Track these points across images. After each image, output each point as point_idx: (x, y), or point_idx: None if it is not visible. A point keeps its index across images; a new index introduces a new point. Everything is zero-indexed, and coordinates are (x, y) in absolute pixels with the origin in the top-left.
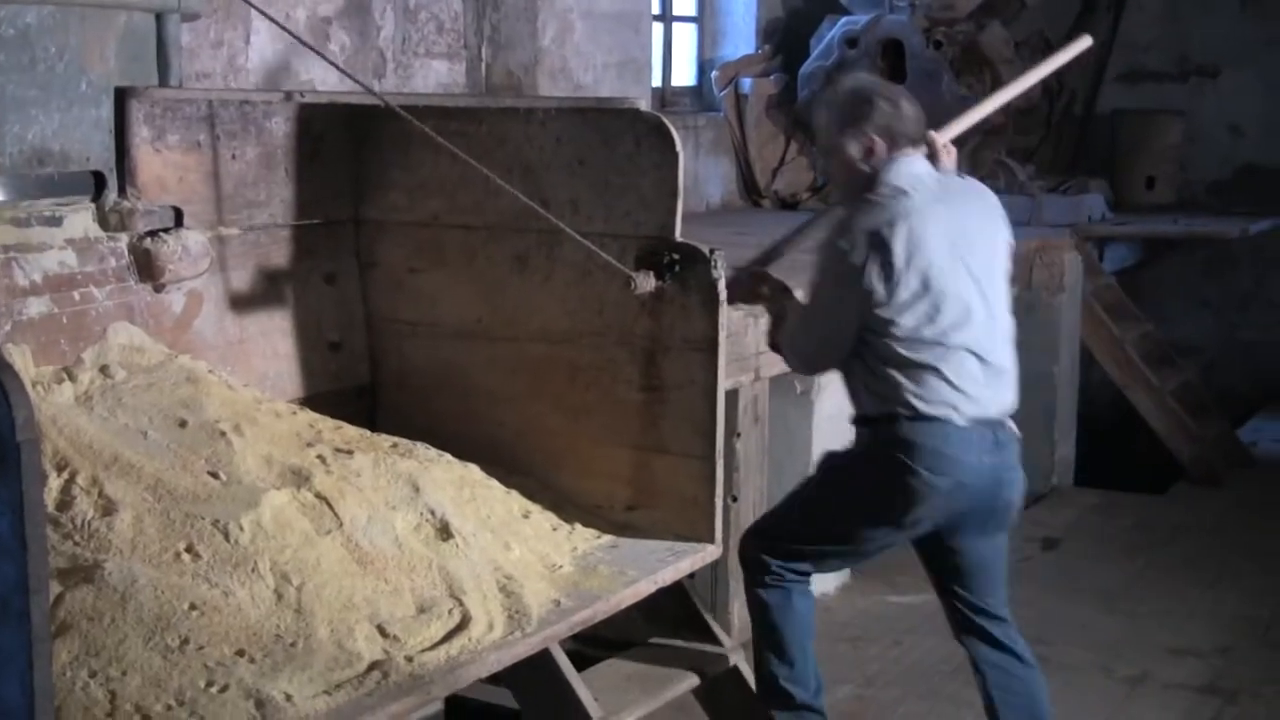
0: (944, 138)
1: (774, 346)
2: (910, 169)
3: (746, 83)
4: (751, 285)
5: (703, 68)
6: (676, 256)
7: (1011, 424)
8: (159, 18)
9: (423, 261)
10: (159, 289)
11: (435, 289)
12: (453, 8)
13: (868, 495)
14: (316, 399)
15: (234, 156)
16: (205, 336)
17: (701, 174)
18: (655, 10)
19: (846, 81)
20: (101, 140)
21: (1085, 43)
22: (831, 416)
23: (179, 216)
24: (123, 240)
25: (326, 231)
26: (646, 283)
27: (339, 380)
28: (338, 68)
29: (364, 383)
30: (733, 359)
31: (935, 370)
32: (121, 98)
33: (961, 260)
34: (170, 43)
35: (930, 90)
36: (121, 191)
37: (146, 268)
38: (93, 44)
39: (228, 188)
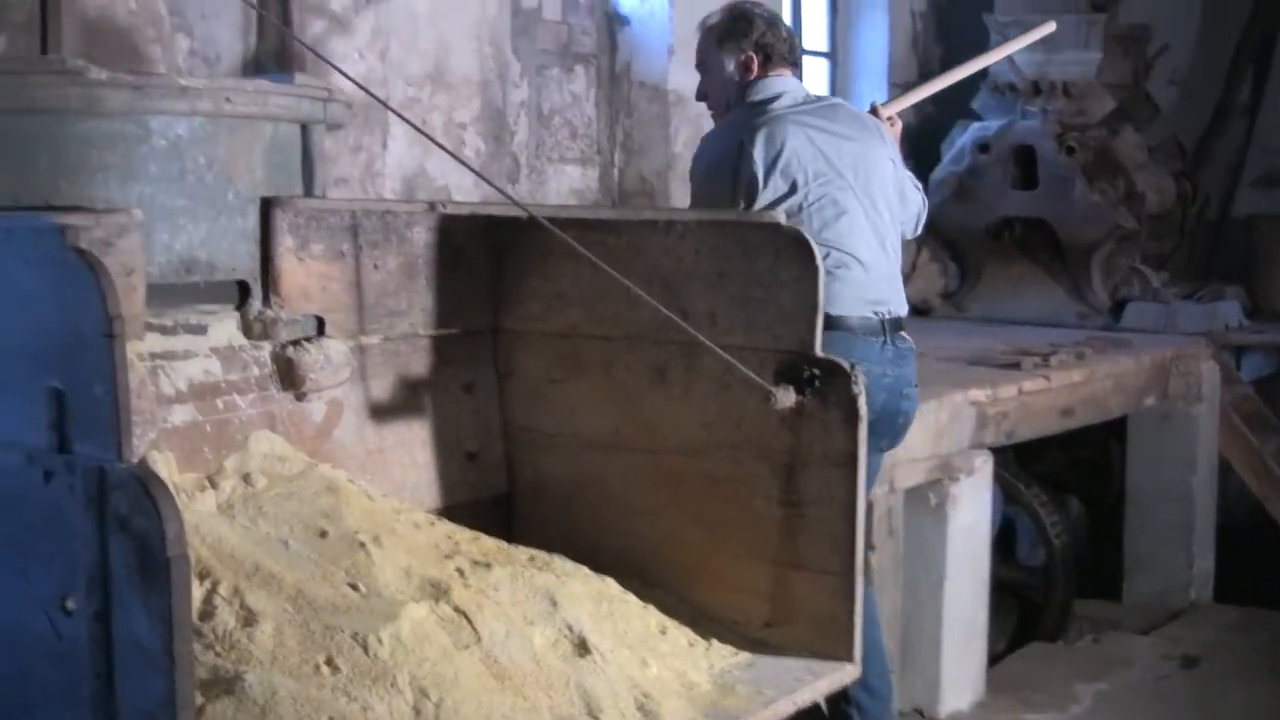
0: (889, 111)
1: None
2: (777, 86)
3: None
4: None
5: None
6: (816, 371)
7: (906, 335)
8: (304, 128)
9: (561, 372)
10: (300, 397)
11: (573, 399)
12: (586, 113)
13: None
14: (454, 509)
15: (376, 266)
16: (345, 445)
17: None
18: None
19: (729, 5)
20: (247, 249)
21: (1050, 27)
22: (967, 528)
23: (321, 325)
24: (266, 349)
25: (465, 341)
26: (786, 398)
27: (476, 490)
28: (477, 174)
29: (501, 493)
30: None
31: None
32: (267, 208)
33: (833, 167)
34: (315, 152)
35: (1063, 196)
36: (265, 300)
37: (289, 376)
38: (240, 155)
39: (369, 297)
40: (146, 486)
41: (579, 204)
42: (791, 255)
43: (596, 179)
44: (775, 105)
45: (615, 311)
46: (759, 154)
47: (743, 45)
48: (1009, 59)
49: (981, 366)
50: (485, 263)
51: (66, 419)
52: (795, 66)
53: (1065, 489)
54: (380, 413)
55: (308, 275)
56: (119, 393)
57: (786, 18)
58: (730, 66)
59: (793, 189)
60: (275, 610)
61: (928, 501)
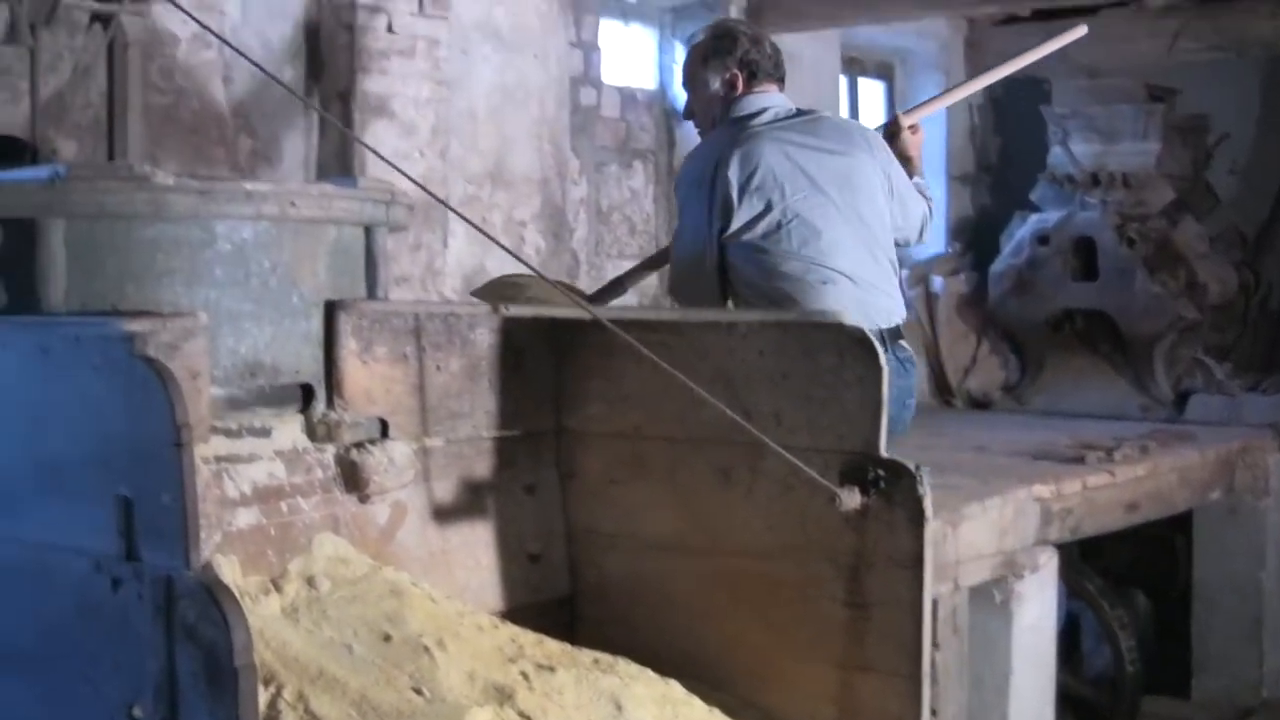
0: (910, 119)
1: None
2: (761, 102)
3: (937, 282)
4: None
5: None
6: (881, 472)
7: (906, 345)
8: (368, 231)
9: (623, 473)
10: (364, 500)
11: (636, 501)
12: (644, 209)
13: None
14: (517, 611)
15: (439, 368)
16: (409, 548)
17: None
18: None
19: (715, 24)
20: (311, 353)
21: (1081, 30)
22: (1031, 626)
23: (385, 428)
24: (330, 451)
25: (528, 442)
26: (851, 499)
27: (538, 592)
28: (537, 273)
29: (564, 594)
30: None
31: (803, 289)
32: (331, 311)
33: (813, 183)
34: (378, 255)
35: (1124, 288)
36: (330, 403)
37: (352, 479)
38: (304, 258)
39: (432, 399)
40: (214, 595)
41: (638, 300)
42: (855, 355)
43: (655, 275)
44: (756, 121)
45: (678, 412)
46: (734, 174)
47: (727, 63)
48: (1067, 152)
49: (1045, 461)
50: (548, 364)
51: (134, 527)
52: (780, 82)
53: (1130, 583)
54: (443, 515)
55: (371, 378)
56: (187, 502)
57: (844, 109)
58: (715, 84)
59: (768, 208)
60: (340, 715)
61: (992, 599)
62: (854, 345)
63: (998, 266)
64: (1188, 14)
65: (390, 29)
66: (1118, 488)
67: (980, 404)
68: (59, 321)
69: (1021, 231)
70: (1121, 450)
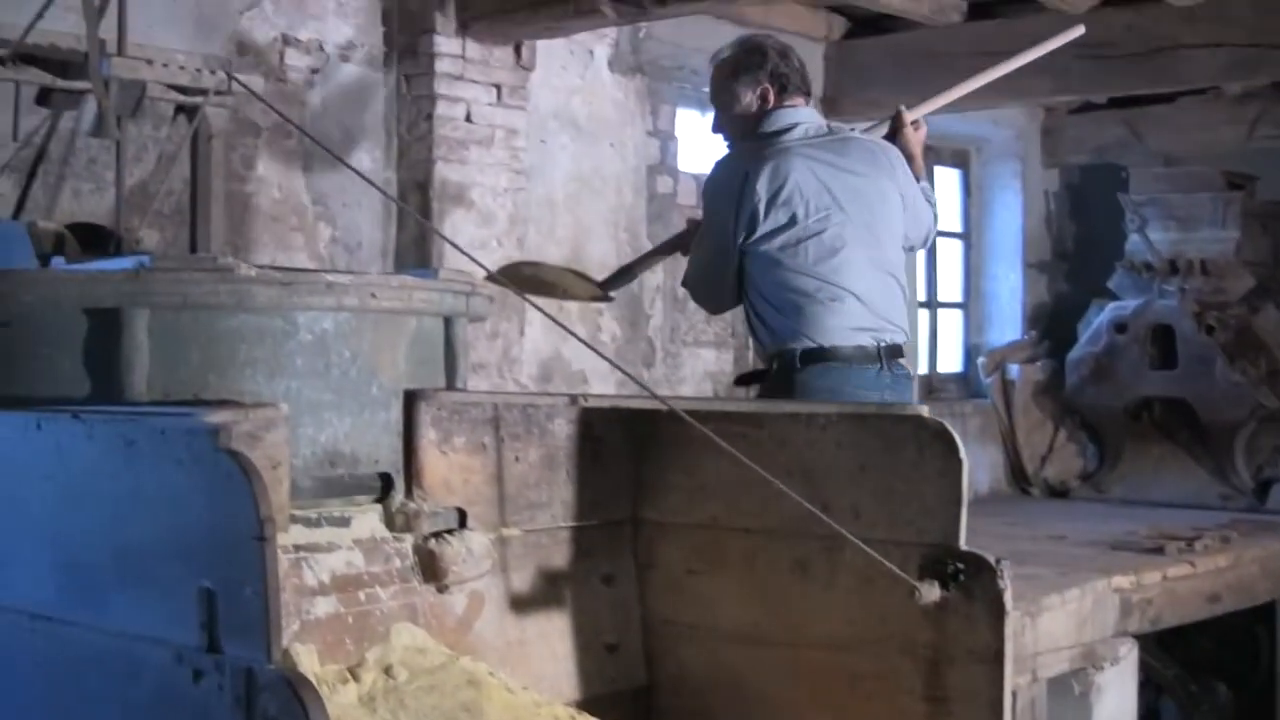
0: (914, 114)
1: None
2: (790, 117)
3: (1014, 369)
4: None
5: (969, 354)
6: (961, 566)
7: (904, 362)
8: (447, 321)
9: (701, 564)
10: (442, 590)
11: (714, 592)
12: None
13: None
14: (593, 701)
15: (517, 458)
16: (486, 638)
17: (969, 462)
18: (921, 296)
19: (741, 38)
20: (390, 442)
21: (1078, 30)
22: (1111, 718)
23: (463, 518)
24: (408, 541)
25: (605, 533)
26: (931, 593)
27: (615, 683)
28: (613, 363)
29: (640, 685)
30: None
31: (813, 305)
32: (410, 401)
33: (835, 201)
34: (457, 345)
35: (1203, 376)
36: (408, 493)
37: (430, 569)
38: (384, 348)
39: (510, 489)
40: (295, 689)
41: (714, 386)
42: (935, 448)
43: (731, 361)
44: (787, 137)
45: (757, 504)
46: (762, 186)
47: (759, 77)
48: (1145, 240)
49: (1124, 551)
50: (625, 454)
51: (216, 619)
52: (807, 95)
53: (1211, 674)
54: (521, 605)
55: (450, 468)
56: (269, 595)
57: None
58: (747, 98)
59: (792, 221)
60: None
61: (1071, 691)
62: (934, 438)
63: (1075, 354)
64: (1266, 101)
65: (469, 119)
66: (1198, 578)
67: (1058, 492)
68: (144, 413)
69: (1099, 319)
70: (1202, 540)
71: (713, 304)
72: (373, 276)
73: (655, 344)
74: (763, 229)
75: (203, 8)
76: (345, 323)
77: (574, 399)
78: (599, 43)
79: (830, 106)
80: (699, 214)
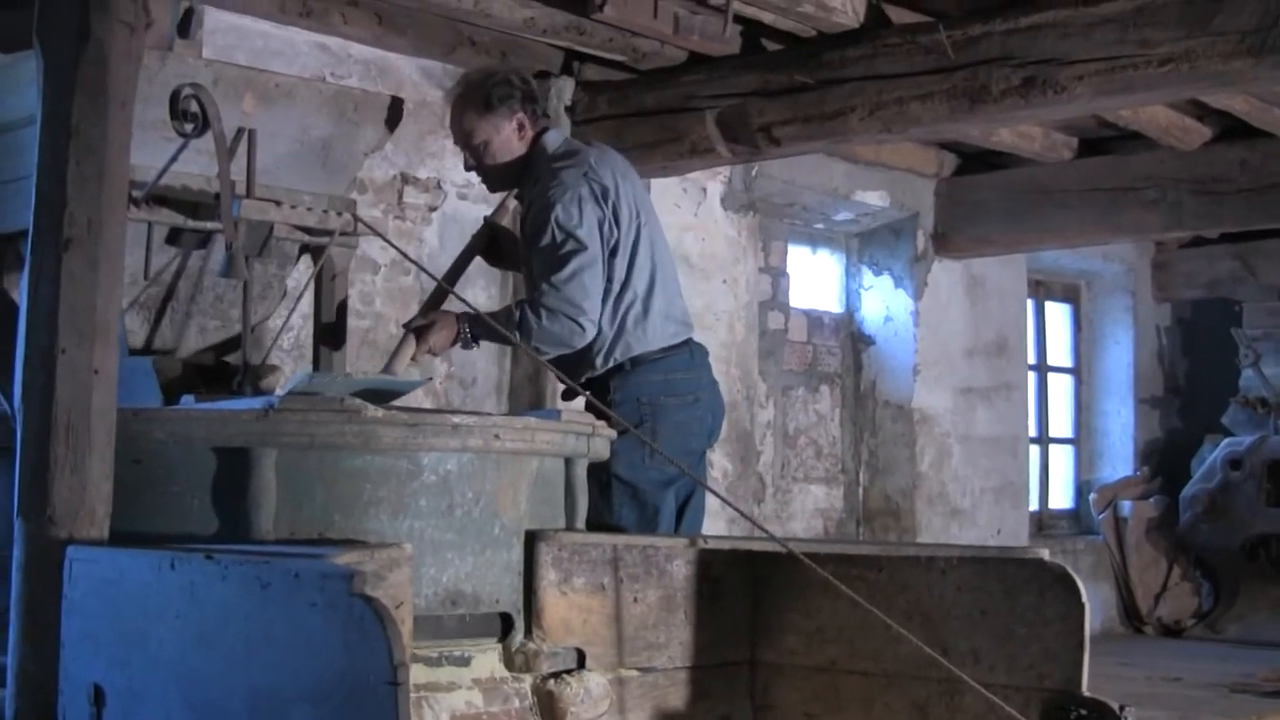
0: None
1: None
2: (561, 136)
3: (1126, 505)
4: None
5: (1080, 490)
6: (1084, 712)
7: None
8: (568, 462)
9: (819, 707)
10: None
11: None
12: (831, 433)
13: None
14: None
15: (636, 599)
16: None
17: None
18: (1032, 433)
19: (468, 73)
20: (510, 582)
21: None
22: None
23: (581, 658)
24: (527, 681)
25: (722, 674)
26: None
27: None
28: (724, 499)
29: None
30: None
31: (647, 302)
32: (532, 542)
33: (642, 205)
34: (577, 485)
35: None
36: (528, 633)
37: (549, 709)
38: (506, 489)
39: (629, 630)
40: None
41: (825, 523)
42: (1057, 592)
43: (841, 498)
44: (587, 153)
45: (875, 647)
46: (610, 188)
47: (512, 106)
48: (1259, 375)
49: (1243, 695)
50: (743, 596)
51: None
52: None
53: None
54: None
55: (570, 608)
56: None
57: (1030, 334)
58: (507, 130)
59: (620, 224)
60: None
61: None
62: (1055, 581)
63: (1189, 490)
64: None
65: None
66: None
67: (1172, 632)
68: (276, 554)
69: (1213, 455)
70: None
71: (587, 322)
72: (497, 418)
73: (765, 480)
74: (619, 232)
75: (330, 150)
76: (469, 463)
77: (693, 540)
78: (712, 180)
79: (941, 242)
80: (809, 352)
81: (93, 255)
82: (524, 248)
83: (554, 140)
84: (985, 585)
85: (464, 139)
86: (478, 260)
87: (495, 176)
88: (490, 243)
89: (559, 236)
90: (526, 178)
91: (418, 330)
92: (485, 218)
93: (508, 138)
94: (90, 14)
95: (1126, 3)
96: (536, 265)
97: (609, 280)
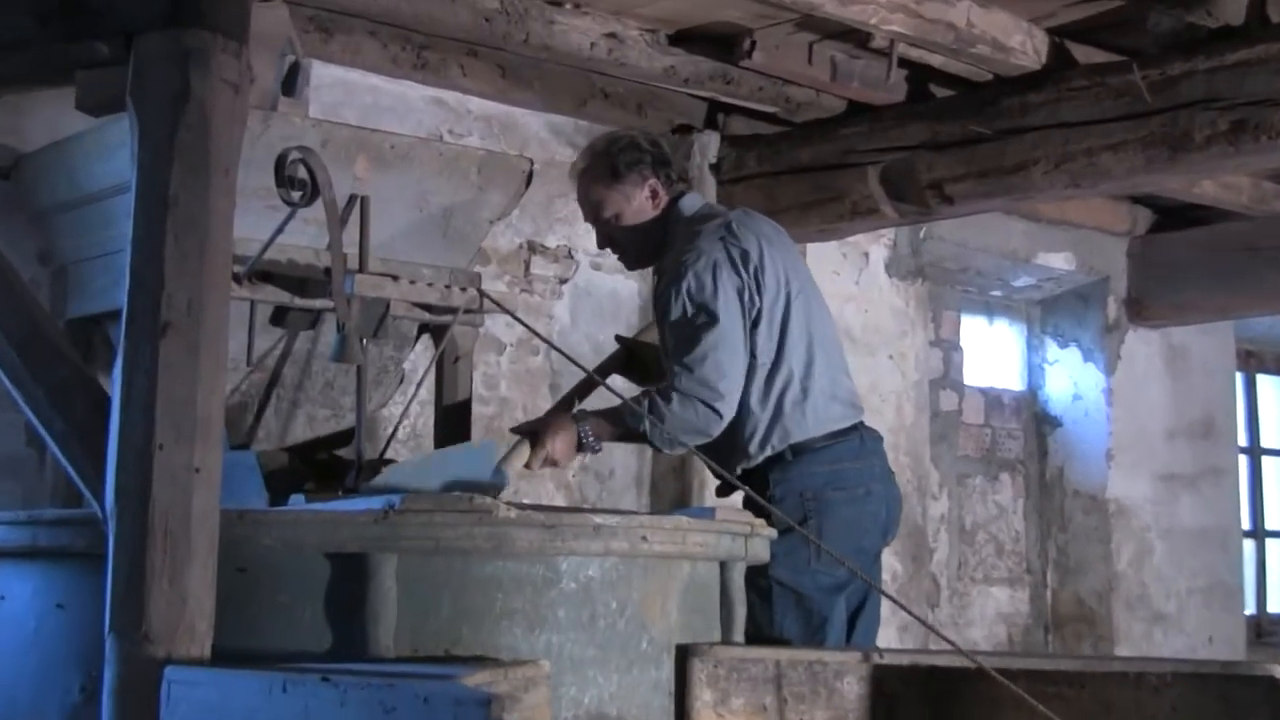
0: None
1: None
2: (700, 199)
3: None
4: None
5: None
6: None
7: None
8: (723, 566)
9: None
10: None
11: None
12: (1014, 528)
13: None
14: None
15: None
16: None
17: None
18: (1246, 525)
19: (591, 143)
20: (660, 704)
21: None
22: None
23: None
24: None
25: None
26: None
27: None
28: (895, 601)
29: None
30: None
31: (806, 381)
32: (684, 657)
33: (794, 273)
34: (734, 592)
35: None
36: None
37: None
38: (654, 597)
39: None
40: None
41: (1009, 630)
42: None
43: (1027, 601)
44: (728, 216)
45: None
46: (753, 257)
47: (643, 172)
48: None
49: None
50: (923, 715)
51: None
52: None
53: None
54: None
55: None
56: None
57: (1240, 413)
58: (639, 198)
59: (775, 299)
60: None
61: None
62: None
63: None
64: None
65: None
66: None
67: None
68: (401, 675)
69: None
70: None
71: (724, 406)
72: (643, 517)
73: (940, 581)
74: (763, 304)
75: (451, 218)
76: (613, 569)
77: (866, 654)
78: (875, 244)
79: (1136, 310)
80: (986, 436)
81: (193, 341)
82: (657, 323)
83: (691, 204)
84: (1204, 705)
85: (594, 213)
86: None
87: (631, 251)
88: (628, 362)
89: (690, 310)
90: (663, 248)
91: (531, 435)
92: (618, 336)
93: (640, 207)
94: (190, 73)
95: None
96: (669, 343)
97: (753, 355)
